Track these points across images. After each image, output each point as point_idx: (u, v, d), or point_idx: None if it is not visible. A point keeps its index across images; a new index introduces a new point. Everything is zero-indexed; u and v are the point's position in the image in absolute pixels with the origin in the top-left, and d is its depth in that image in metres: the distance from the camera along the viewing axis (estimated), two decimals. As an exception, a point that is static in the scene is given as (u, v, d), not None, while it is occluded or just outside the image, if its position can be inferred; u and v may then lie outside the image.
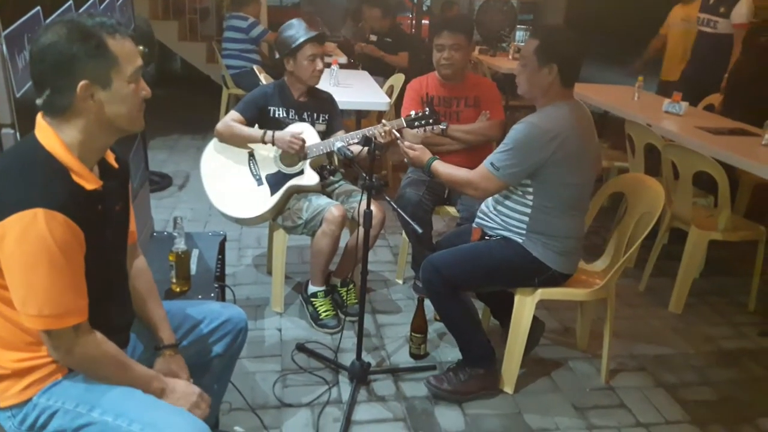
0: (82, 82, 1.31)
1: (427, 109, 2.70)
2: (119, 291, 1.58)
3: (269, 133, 2.76)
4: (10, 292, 1.30)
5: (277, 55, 5.55)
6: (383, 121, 2.61)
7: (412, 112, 2.72)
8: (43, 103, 1.35)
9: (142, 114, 1.44)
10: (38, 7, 1.80)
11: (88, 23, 1.32)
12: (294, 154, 2.76)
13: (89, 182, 1.38)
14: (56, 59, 1.30)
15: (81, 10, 2.13)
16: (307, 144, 2.77)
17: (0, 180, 1.30)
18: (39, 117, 1.38)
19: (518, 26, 7.91)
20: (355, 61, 6.04)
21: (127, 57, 1.36)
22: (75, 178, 1.35)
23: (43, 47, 1.31)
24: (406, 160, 2.52)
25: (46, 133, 1.36)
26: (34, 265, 1.26)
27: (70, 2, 2.07)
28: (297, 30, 2.80)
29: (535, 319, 2.44)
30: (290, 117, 2.89)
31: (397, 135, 2.55)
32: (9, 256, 1.27)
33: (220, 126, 2.82)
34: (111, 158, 1.52)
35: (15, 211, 1.24)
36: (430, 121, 2.70)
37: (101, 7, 2.44)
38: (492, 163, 2.21)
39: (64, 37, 1.30)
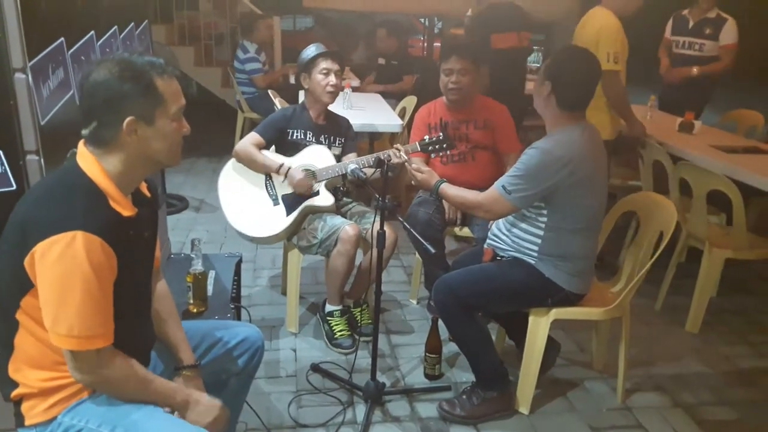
0: (128, 119, 1.37)
1: (441, 134, 2.74)
2: (144, 314, 1.61)
3: (284, 166, 2.82)
4: (42, 310, 1.33)
5: (291, 81, 5.63)
6: (396, 145, 2.65)
7: (426, 137, 2.76)
8: (89, 134, 1.42)
9: (180, 149, 1.51)
10: (62, 39, 1.87)
11: (139, 63, 1.39)
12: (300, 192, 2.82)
13: (125, 209, 1.43)
14: (107, 96, 1.37)
15: (119, 47, 2.20)
16: (322, 166, 2.84)
17: (42, 202, 1.36)
18: (81, 144, 1.44)
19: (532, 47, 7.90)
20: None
21: (172, 96, 1.43)
22: (113, 204, 1.40)
23: (95, 83, 1.37)
24: (413, 182, 2.54)
25: (87, 160, 1.41)
26: (69, 286, 1.30)
27: (92, 33, 2.14)
28: (313, 48, 2.93)
29: (550, 340, 2.44)
30: (308, 138, 2.94)
31: (405, 157, 2.59)
32: (46, 275, 1.30)
33: (239, 148, 2.88)
34: (144, 187, 1.58)
35: (55, 232, 1.29)
36: (444, 146, 2.74)
37: (121, 36, 2.52)
38: (503, 186, 2.23)
39: (116, 75, 1.36)
